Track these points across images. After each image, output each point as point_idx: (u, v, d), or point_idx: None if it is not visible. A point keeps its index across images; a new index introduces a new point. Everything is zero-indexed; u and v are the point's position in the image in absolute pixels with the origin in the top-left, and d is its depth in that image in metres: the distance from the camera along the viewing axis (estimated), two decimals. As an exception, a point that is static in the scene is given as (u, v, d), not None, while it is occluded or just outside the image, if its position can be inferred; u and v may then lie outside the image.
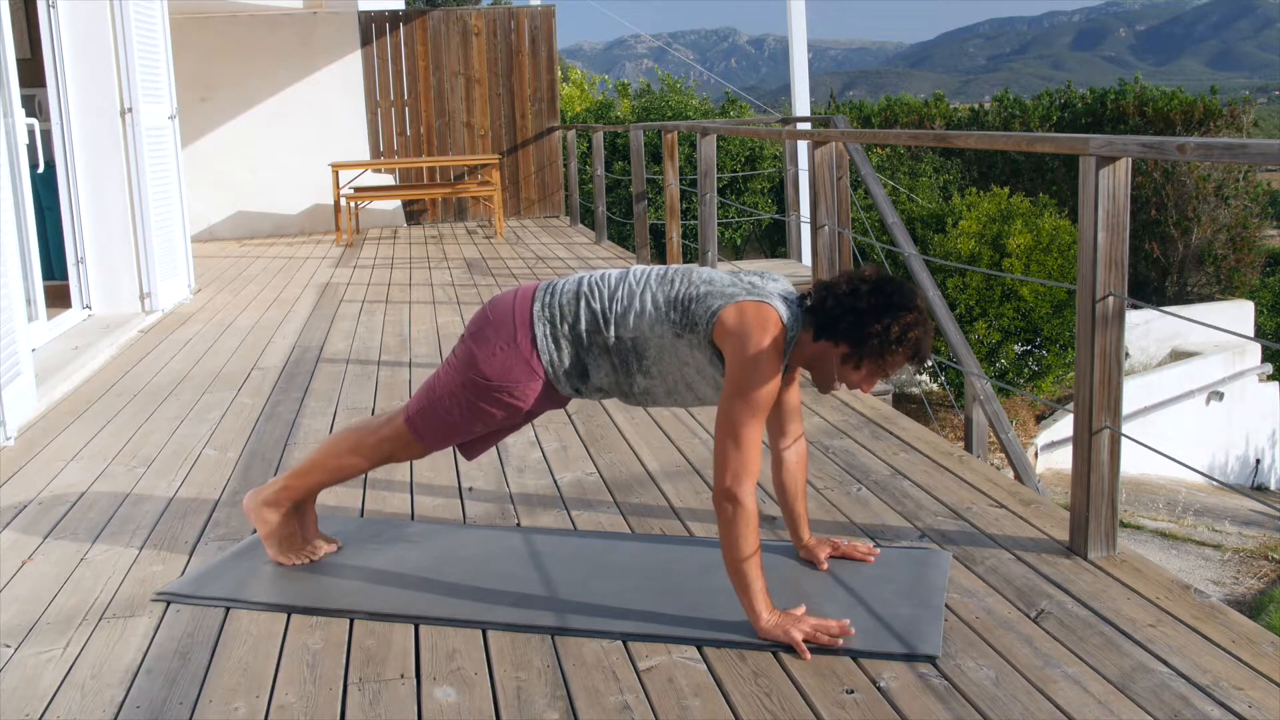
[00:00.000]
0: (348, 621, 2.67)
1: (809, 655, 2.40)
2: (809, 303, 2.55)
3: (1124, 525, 8.74)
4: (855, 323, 2.46)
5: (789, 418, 2.78)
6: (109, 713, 2.30)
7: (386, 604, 2.73)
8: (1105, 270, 2.81)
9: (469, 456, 2.93)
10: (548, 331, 2.65)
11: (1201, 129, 15.09)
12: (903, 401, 10.09)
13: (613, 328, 2.61)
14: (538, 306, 2.67)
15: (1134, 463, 9.60)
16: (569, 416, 4.45)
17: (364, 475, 3.79)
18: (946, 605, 2.65)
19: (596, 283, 2.68)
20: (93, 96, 6.67)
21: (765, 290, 2.54)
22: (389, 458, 2.87)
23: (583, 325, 2.63)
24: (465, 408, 2.72)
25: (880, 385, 5.55)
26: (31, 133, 5.81)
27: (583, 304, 2.64)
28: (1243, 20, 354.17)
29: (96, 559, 3.12)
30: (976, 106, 19.38)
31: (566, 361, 2.66)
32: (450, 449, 3.62)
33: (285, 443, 4.24)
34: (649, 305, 2.59)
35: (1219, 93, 15.75)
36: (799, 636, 2.42)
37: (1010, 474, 5.72)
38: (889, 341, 2.46)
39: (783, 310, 2.49)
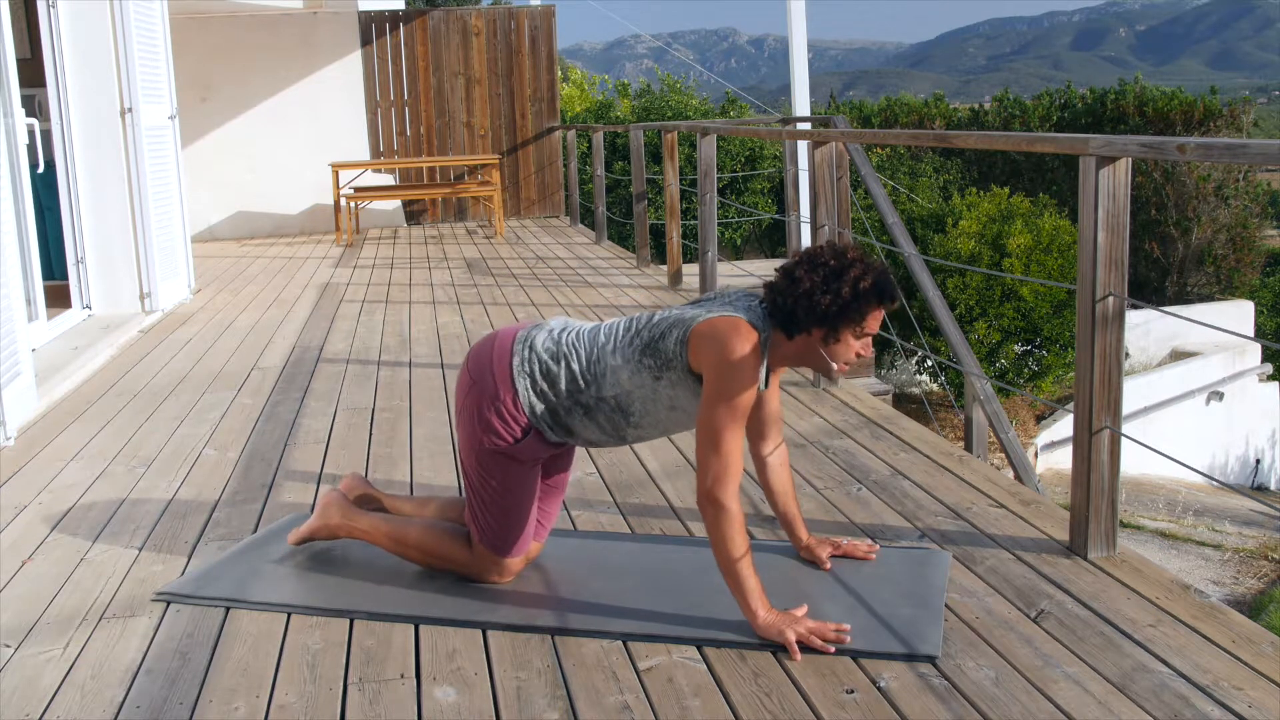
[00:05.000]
0: (348, 621, 2.67)
1: (799, 656, 2.40)
2: (764, 307, 2.56)
3: (1124, 525, 8.74)
4: (809, 306, 2.47)
5: (769, 423, 2.80)
6: (109, 713, 2.30)
7: (386, 604, 2.72)
8: (1105, 270, 2.81)
9: (538, 538, 2.90)
10: (529, 385, 2.66)
11: (1201, 129, 15.10)
12: (903, 401, 10.09)
13: (594, 388, 2.63)
14: (516, 361, 2.67)
15: (1134, 463, 9.60)
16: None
17: (364, 476, 3.80)
18: (946, 605, 2.65)
19: (574, 342, 2.68)
20: (93, 96, 6.67)
21: (726, 302, 2.58)
22: (479, 579, 2.83)
23: (563, 385, 2.64)
24: (501, 484, 2.70)
25: (880, 385, 5.55)
26: (31, 133, 5.81)
27: (563, 365, 2.65)
28: (1243, 20, 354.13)
29: (96, 559, 3.12)
30: (976, 106, 19.39)
31: (549, 416, 2.67)
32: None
33: (285, 443, 4.24)
34: (621, 360, 2.61)
35: (1219, 93, 15.75)
36: (792, 637, 2.42)
37: (1010, 474, 5.72)
38: (848, 302, 2.46)
39: (748, 316, 2.51)
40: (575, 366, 2.64)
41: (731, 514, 2.44)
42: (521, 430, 2.66)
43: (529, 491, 2.74)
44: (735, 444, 2.46)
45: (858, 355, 2.55)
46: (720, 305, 2.58)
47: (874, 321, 2.51)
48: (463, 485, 2.78)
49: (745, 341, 2.45)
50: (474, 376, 2.71)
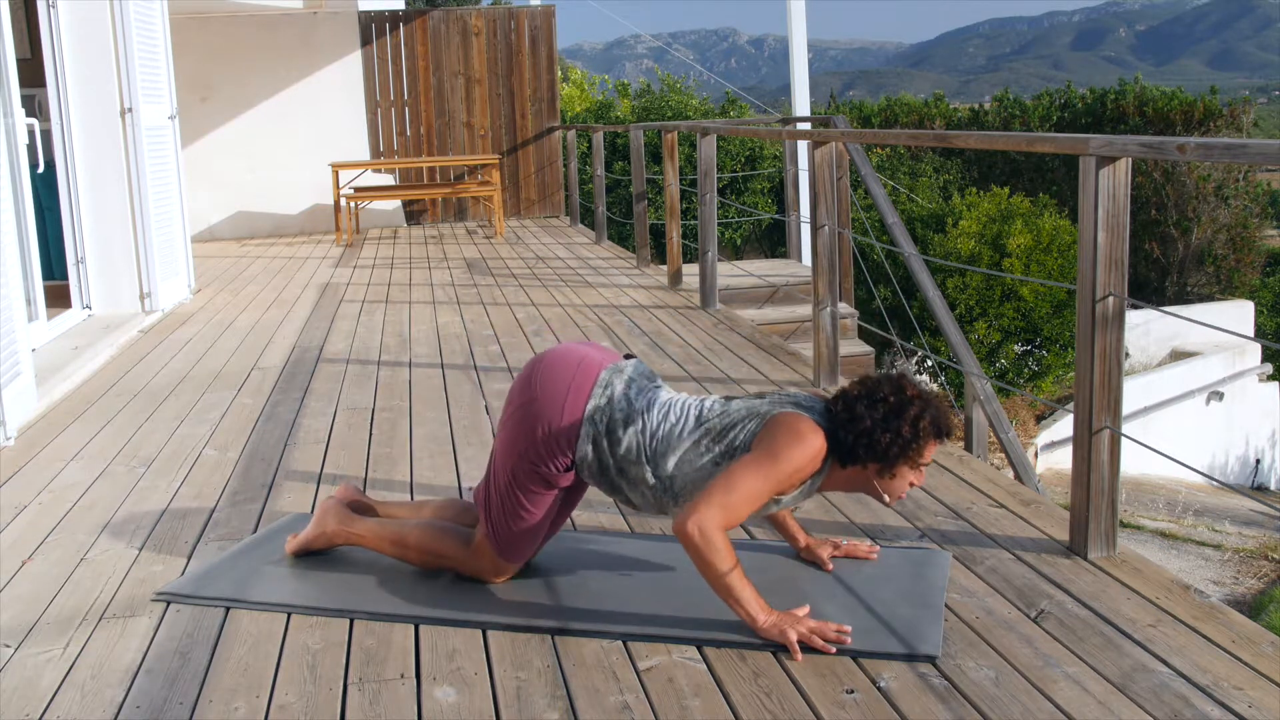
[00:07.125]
0: (348, 621, 2.67)
1: (800, 656, 2.40)
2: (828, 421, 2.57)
3: (1124, 525, 8.74)
4: (870, 443, 2.50)
5: None
6: (109, 713, 2.30)
7: (386, 604, 2.72)
8: (1105, 270, 2.81)
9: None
10: (591, 433, 2.64)
11: (1201, 129, 15.11)
12: (903, 401, 10.07)
13: (650, 466, 2.61)
14: (592, 405, 2.64)
15: (1134, 463, 9.61)
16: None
17: (364, 476, 3.80)
18: (946, 605, 2.65)
19: (644, 410, 2.65)
20: (93, 96, 6.67)
21: (801, 404, 2.58)
22: (476, 577, 2.83)
23: (621, 449, 2.63)
24: (527, 499, 2.69)
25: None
26: (31, 133, 5.81)
27: (629, 431, 2.62)
28: (1243, 20, 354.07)
29: (96, 559, 3.12)
30: (976, 106, 19.40)
31: (596, 466, 2.66)
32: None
33: (285, 443, 4.24)
34: (689, 442, 2.59)
35: (1219, 93, 15.77)
36: (794, 637, 2.42)
37: (1010, 474, 5.73)
38: (908, 442, 2.50)
39: (820, 421, 2.52)
40: (639, 439, 2.62)
41: (715, 538, 2.41)
42: (565, 465, 2.66)
43: (550, 510, 2.74)
44: (751, 499, 2.45)
45: (911, 485, 2.58)
46: (794, 405, 2.58)
47: (929, 455, 2.55)
48: (487, 480, 2.77)
49: (817, 439, 2.48)
50: (540, 393, 2.67)
